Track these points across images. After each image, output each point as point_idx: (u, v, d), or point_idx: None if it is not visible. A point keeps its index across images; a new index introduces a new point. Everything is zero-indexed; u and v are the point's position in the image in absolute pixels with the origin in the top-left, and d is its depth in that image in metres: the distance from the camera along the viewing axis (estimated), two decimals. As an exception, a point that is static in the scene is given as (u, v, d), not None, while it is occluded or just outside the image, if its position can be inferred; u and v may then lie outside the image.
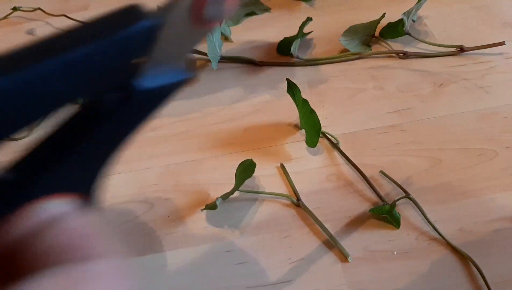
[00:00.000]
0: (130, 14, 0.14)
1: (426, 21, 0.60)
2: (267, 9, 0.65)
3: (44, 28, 0.68)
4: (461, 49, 0.52)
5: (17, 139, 0.51)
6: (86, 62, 0.13)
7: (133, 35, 0.13)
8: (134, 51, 0.14)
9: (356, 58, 0.54)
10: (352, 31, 0.57)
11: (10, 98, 0.12)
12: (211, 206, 0.41)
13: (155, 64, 0.15)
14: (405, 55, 0.52)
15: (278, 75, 0.55)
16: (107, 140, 0.15)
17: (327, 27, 0.61)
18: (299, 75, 0.54)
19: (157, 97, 0.16)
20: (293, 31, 0.55)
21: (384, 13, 0.56)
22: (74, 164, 0.15)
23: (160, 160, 0.47)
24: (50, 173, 0.14)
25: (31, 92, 0.12)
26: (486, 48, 0.53)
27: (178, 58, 0.15)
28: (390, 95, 0.51)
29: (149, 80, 0.15)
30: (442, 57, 0.54)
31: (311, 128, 0.45)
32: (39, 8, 0.70)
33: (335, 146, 0.46)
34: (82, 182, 0.16)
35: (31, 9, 0.71)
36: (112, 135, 0.15)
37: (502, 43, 0.52)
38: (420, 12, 0.61)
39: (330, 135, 0.47)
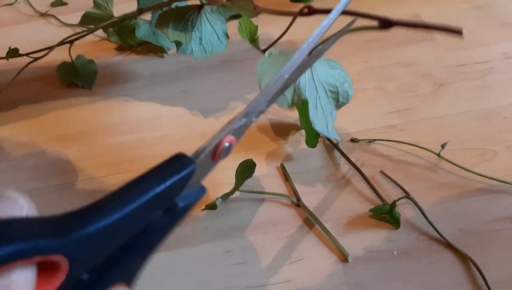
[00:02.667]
0: (180, 161, 0.20)
1: (426, 21, 0.60)
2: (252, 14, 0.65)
3: (43, 28, 0.68)
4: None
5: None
6: (155, 202, 0.18)
7: (184, 178, 0.19)
8: (183, 187, 0.20)
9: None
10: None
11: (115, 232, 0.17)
12: (211, 206, 0.41)
13: (189, 189, 0.21)
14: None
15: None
16: (152, 245, 0.20)
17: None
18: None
19: (187, 211, 0.21)
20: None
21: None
22: (130, 260, 0.19)
23: (160, 160, 0.47)
24: (115, 269, 0.19)
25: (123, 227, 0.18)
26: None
27: (199, 184, 0.22)
28: (390, 95, 0.51)
29: (184, 201, 0.21)
30: (442, 57, 0.54)
31: (311, 128, 0.45)
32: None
33: (335, 146, 0.46)
34: (132, 275, 0.20)
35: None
36: (156, 241, 0.20)
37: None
38: (420, 12, 0.61)
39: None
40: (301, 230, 0.41)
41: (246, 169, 0.42)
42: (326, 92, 0.40)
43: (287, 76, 0.24)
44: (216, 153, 0.22)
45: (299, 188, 0.43)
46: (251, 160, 0.42)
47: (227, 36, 0.49)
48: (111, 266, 0.18)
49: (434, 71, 0.53)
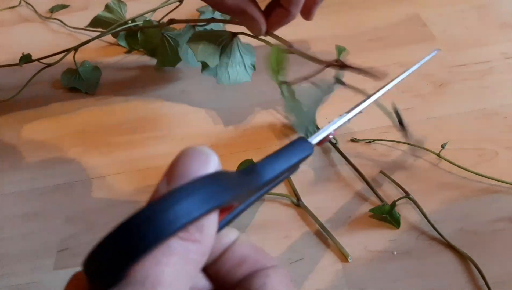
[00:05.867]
0: (306, 144, 0.23)
1: (426, 21, 0.60)
2: None
3: (47, 31, 0.68)
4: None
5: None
6: (285, 172, 0.22)
7: (305, 158, 0.23)
8: (299, 165, 0.23)
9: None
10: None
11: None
12: (211, 206, 0.41)
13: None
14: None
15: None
16: (253, 203, 0.23)
17: (325, 27, 0.61)
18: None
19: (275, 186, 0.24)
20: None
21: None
22: (236, 214, 0.22)
23: (160, 160, 0.47)
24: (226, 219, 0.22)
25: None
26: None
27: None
28: (390, 95, 0.51)
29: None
30: (442, 57, 0.54)
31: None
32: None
33: (334, 146, 0.46)
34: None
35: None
36: (257, 199, 0.23)
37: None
38: (420, 12, 0.61)
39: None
40: (301, 230, 0.41)
41: (246, 169, 0.42)
42: None
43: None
44: (322, 142, 0.26)
45: (299, 188, 0.43)
46: (251, 160, 0.42)
47: (254, 68, 0.50)
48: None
49: (434, 71, 0.53)
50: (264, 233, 0.41)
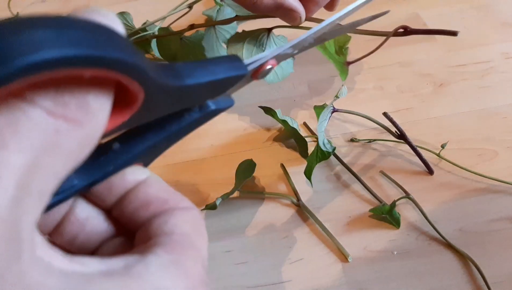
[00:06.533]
0: (238, 62, 0.20)
1: (426, 21, 0.60)
2: None
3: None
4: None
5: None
6: (212, 86, 0.19)
7: (238, 76, 0.20)
8: (231, 86, 0.21)
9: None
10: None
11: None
12: (211, 206, 0.41)
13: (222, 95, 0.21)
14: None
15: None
16: (175, 137, 0.21)
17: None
18: (300, 75, 0.54)
19: (215, 114, 0.22)
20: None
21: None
22: (153, 144, 0.20)
23: (160, 160, 0.47)
24: (139, 147, 0.20)
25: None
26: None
27: (229, 95, 0.23)
28: (390, 95, 0.51)
29: (215, 105, 0.21)
30: (442, 57, 0.54)
31: (299, 141, 0.45)
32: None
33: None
34: (150, 158, 0.22)
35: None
36: (181, 134, 0.21)
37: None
38: (420, 12, 0.61)
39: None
40: (301, 230, 0.41)
41: (246, 169, 0.42)
42: None
43: (326, 29, 0.26)
44: (258, 72, 0.22)
45: (299, 188, 0.43)
46: (251, 160, 0.42)
47: (293, 57, 0.49)
48: (139, 142, 0.20)
49: (434, 71, 0.53)
50: (264, 233, 0.41)
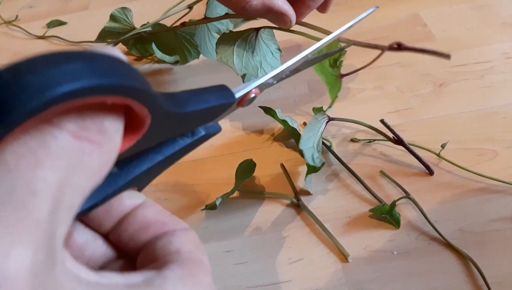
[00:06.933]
0: (226, 91, 0.22)
1: (426, 21, 0.60)
2: None
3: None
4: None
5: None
6: (203, 114, 0.21)
7: (226, 105, 0.22)
8: (220, 113, 0.22)
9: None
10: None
11: None
12: (211, 206, 0.41)
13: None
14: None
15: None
16: (169, 161, 0.22)
17: (324, 27, 0.61)
18: (299, 75, 0.54)
19: (204, 140, 0.23)
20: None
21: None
22: (148, 168, 0.21)
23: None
24: (136, 171, 0.20)
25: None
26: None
27: (217, 122, 0.24)
28: (390, 95, 0.51)
29: (205, 130, 0.23)
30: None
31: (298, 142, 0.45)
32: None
33: (329, 148, 0.46)
34: (144, 183, 0.22)
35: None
36: (173, 159, 0.22)
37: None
38: (420, 12, 0.61)
39: (325, 139, 0.47)
40: (301, 230, 0.41)
41: (246, 169, 0.42)
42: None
43: (301, 62, 0.29)
44: (243, 100, 0.25)
45: (299, 188, 0.43)
46: (251, 160, 0.42)
47: (279, 50, 0.48)
48: (136, 167, 0.21)
49: (434, 71, 0.53)
50: (264, 233, 0.41)
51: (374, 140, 0.46)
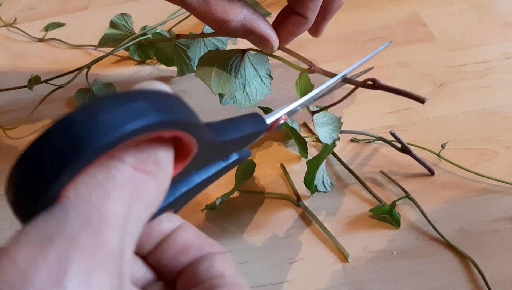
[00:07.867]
0: (259, 118, 0.23)
1: (426, 21, 0.60)
2: (267, 14, 0.65)
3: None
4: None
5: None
6: (238, 141, 0.22)
7: (260, 131, 0.23)
8: (253, 140, 0.24)
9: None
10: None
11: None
12: (211, 206, 0.41)
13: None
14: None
15: (279, 75, 0.55)
16: (204, 184, 0.23)
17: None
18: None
19: (236, 164, 0.25)
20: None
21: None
22: (185, 192, 0.22)
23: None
24: (175, 194, 0.21)
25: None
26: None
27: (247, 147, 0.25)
28: (390, 95, 0.51)
29: (237, 155, 0.25)
30: (442, 57, 0.55)
31: (299, 141, 0.45)
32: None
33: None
34: (180, 205, 0.23)
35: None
36: (209, 182, 0.24)
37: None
38: (420, 12, 0.61)
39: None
40: (301, 230, 0.41)
41: (246, 169, 0.42)
42: None
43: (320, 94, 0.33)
44: (273, 126, 0.26)
45: (299, 188, 0.43)
46: (251, 160, 0.42)
47: (270, 76, 0.46)
48: (175, 190, 0.21)
49: (434, 71, 0.53)
50: (264, 233, 0.41)
51: (374, 140, 0.46)
